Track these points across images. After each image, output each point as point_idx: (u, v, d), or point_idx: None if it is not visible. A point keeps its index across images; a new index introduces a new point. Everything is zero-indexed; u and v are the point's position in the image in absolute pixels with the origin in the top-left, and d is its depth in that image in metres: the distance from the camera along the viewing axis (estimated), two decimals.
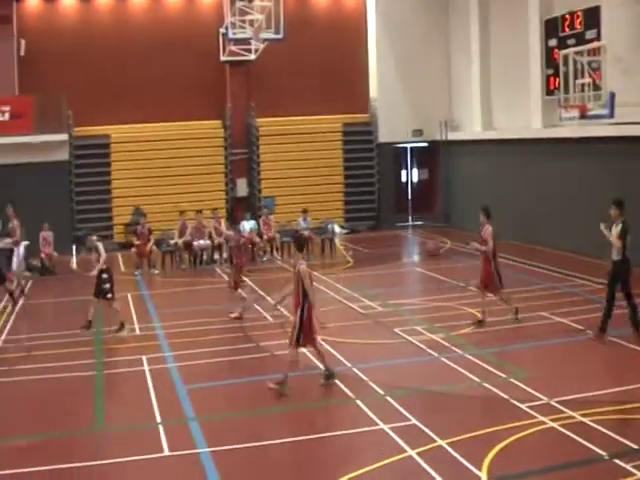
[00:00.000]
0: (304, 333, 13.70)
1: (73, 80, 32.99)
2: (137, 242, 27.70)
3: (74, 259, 28.59)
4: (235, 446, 11.49)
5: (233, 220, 30.30)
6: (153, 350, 16.83)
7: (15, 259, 24.72)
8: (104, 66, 33.89)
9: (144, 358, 16.10)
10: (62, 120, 32.71)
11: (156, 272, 27.11)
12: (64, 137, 33.03)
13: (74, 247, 29.86)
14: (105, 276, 18.44)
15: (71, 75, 33.20)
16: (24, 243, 25.50)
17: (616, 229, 16.08)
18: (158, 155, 34.28)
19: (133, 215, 32.01)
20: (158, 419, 12.72)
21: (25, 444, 11.94)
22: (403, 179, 38.05)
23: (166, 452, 11.37)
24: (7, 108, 32.41)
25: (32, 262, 27.54)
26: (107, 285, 18.38)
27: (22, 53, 33.46)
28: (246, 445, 11.53)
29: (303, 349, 14.34)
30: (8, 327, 19.66)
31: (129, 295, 22.98)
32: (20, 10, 33.95)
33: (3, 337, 18.71)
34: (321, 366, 14.30)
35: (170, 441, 11.71)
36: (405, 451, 10.98)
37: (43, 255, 27.97)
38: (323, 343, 16.43)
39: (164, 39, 34.51)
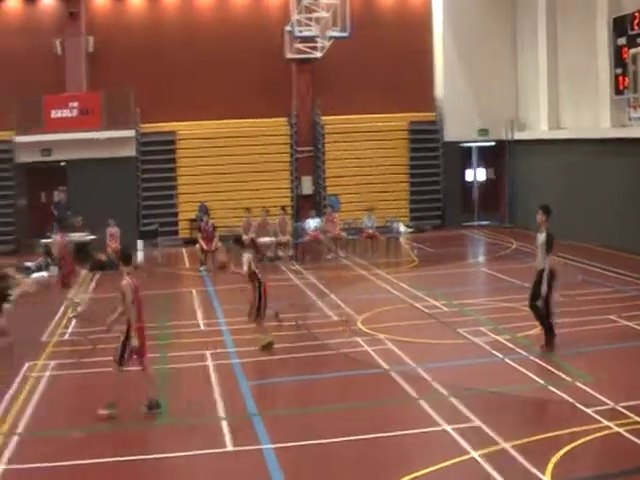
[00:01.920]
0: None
1: (140, 77, 33.33)
2: (201, 238, 27.90)
3: (140, 254, 28.92)
4: (298, 443, 11.52)
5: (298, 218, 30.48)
6: (217, 345, 16.92)
7: None
8: (171, 63, 34.16)
9: (208, 353, 16.21)
10: (129, 116, 33.08)
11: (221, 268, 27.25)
12: (131, 133, 33.40)
13: (140, 242, 30.16)
14: None
15: (138, 72, 33.54)
16: None
17: (541, 236, 15.82)
18: (223, 152, 34.52)
19: (198, 212, 32.26)
20: (221, 414, 12.79)
21: (84, 435, 12.12)
22: (468, 178, 37.79)
23: (229, 447, 11.42)
24: (76, 104, 32.89)
25: (100, 257, 27.94)
26: None
27: (91, 50, 33.95)
28: (309, 442, 11.54)
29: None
30: (74, 321, 19.97)
31: (194, 291, 23.16)
32: (89, 7, 34.42)
33: (70, 330, 19.00)
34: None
35: (233, 436, 11.76)
36: (467, 453, 10.89)
37: (109, 250, 28.33)
38: (387, 342, 16.45)
39: (230, 36, 34.69)
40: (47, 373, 15.46)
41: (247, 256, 16.72)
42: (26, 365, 15.90)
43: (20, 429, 12.41)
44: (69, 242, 27.58)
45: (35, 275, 26.40)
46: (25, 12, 34.63)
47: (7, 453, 11.40)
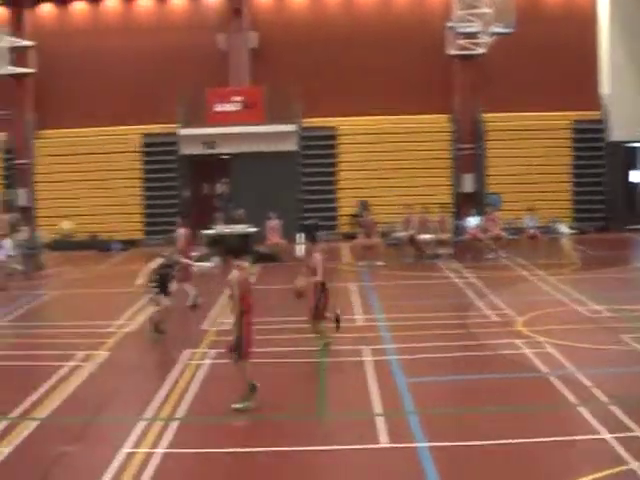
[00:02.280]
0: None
1: (302, 72, 33.75)
2: (361, 234, 28.01)
3: (301, 247, 29.28)
4: (455, 443, 11.36)
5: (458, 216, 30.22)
6: (375, 341, 16.93)
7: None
8: (332, 59, 34.45)
9: (366, 349, 16.23)
10: (291, 111, 33.50)
11: (380, 264, 27.28)
12: (293, 128, 33.84)
13: (301, 236, 30.53)
14: None
15: (300, 67, 33.98)
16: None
17: None
18: (384, 148, 34.54)
19: (358, 207, 32.39)
20: (377, 410, 12.78)
21: (244, 423, 12.33)
22: (633, 180, 36.53)
23: (384, 444, 11.40)
24: (240, 98, 33.59)
25: (259, 249, 28.45)
26: None
27: (254, 45, 34.57)
28: (466, 443, 11.36)
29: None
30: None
31: (352, 285, 23.27)
32: (252, 4, 35.11)
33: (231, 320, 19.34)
34: None
35: (389, 433, 11.72)
36: (627, 463, 10.51)
37: (270, 243, 28.82)
38: (547, 346, 16.09)
39: (391, 32, 34.70)
40: (206, 361, 15.79)
41: (319, 257, 16.52)
42: (186, 352, 16.32)
43: (180, 415, 12.74)
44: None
45: (198, 265, 27.05)
46: (190, 9, 35.66)
47: (167, 438, 11.68)
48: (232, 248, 13.82)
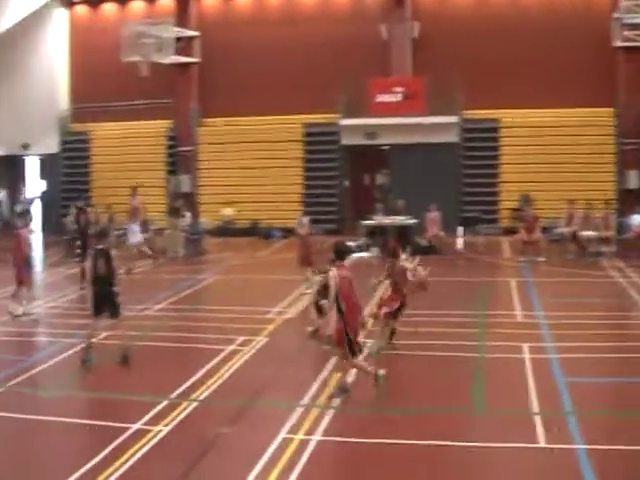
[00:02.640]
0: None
1: (464, 63, 33.33)
2: (523, 228, 27.51)
3: (460, 240, 29.02)
4: (613, 447, 10.97)
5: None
6: (534, 339, 16.53)
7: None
8: (494, 49, 33.91)
9: (525, 346, 15.88)
10: (452, 102, 33.15)
11: (541, 260, 26.69)
12: (454, 119, 33.51)
13: (460, 229, 30.25)
14: None
15: (462, 58, 33.56)
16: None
17: None
18: (546, 142, 33.77)
19: (519, 201, 31.81)
20: (535, 409, 12.49)
21: (400, 415, 12.25)
22: None
23: (541, 444, 11.11)
24: (401, 89, 33.48)
25: (420, 241, 28.35)
26: None
27: (415, 35, 34.38)
28: (625, 447, 10.97)
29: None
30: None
31: (512, 281, 22.88)
32: None
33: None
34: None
35: (546, 433, 11.43)
36: None
37: (430, 235, 28.67)
38: None
39: (554, 23, 33.87)
40: (365, 352, 15.74)
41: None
42: None
43: (335, 403, 12.74)
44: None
45: (356, 255, 27.19)
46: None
47: (322, 425, 11.74)
48: (339, 249, 13.67)
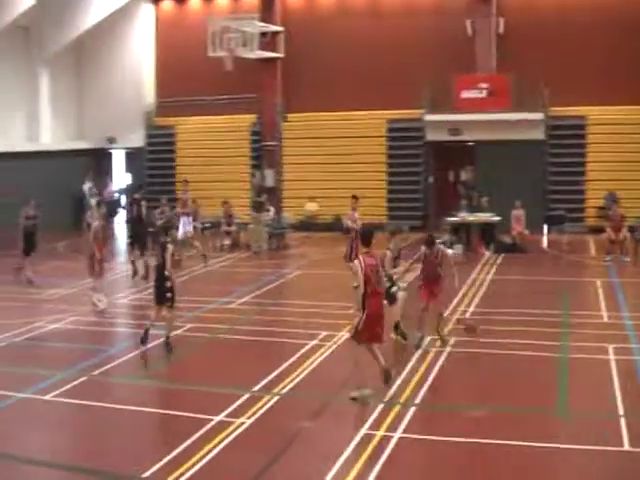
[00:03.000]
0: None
1: (550, 58, 32.85)
2: (609, 227, 27.02)
3: (545, 239, 28.68)
4: None
5: None
6: (620, 340, 16.23)
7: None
8: (580, 46, 33.16)
9: (610, 347, 15.60)
10: (538, 99, 32.69)
11: (627, 260, 26.16)
12: (540, 116, 33.04)
13: (546, 227, 29.83)
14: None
15: (548, 53, 33.07)
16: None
17: None
18: (634, 139, 32.82)
19: (605, 200, 31.24)
20: (620, 411, 12.27)
21: (481, 414, 12.16)
22: None
23: (626, 447, 10.92)
24: (485, 85, 33.16)
25: (504, 239, 28.11)
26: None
27: (501, 31, 33.99)
28: None
29: None
30: (476, 300, 20.19)
31: (598, 281, 22.51)
32: None
33: (471, 309, 19.21)
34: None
35: (631, 436, 11.21)
36: None
37: (514, 233, 28.39)
38: None
39: (603, 13, 32.98)
40: (447, 349, 15.69)
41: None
42: (428, 339, 16.20)
43: (418, 400, 12.73)
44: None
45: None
46: None
47: (404, 422, 11.72)
48: (364, 235, 13.77)
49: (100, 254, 19.59)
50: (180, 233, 26.67)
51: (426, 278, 16.03)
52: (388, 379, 13.17)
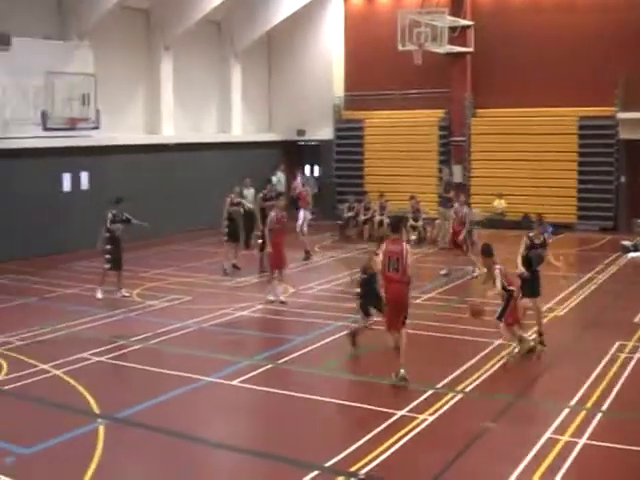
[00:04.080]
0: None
1: None
2: None
3: None
4: None
5: None
6: None
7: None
8: None
9: None
10: None
11: None
12: None
13: None
14: None
15: None
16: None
17: None
18: None
19: None
20: None
21: None
22: None
23: None
24: None
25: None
26: None
27: None
28: None
29: None
30: None
31: None
32: None
33: None
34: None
35: None
36: None
37: None
38: None
39: None
40: (637, 355, 15.23)
41: (499, 268, 14.97)
42: (616, 344, 15.85)
43: (604, 407, 12.42)
44: None
45: (632, 254, 26.39)
46: None
47: (589, 429, 11.47)
48: (392, 223, 14.33)
49: (272, 245, 19.80)
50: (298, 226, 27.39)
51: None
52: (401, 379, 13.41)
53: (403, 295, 13.55)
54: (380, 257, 13.65)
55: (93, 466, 10.34)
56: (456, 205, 24.51)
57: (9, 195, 26.39)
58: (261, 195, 25.01)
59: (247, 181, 27.92)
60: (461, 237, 23.53)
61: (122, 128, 31.36)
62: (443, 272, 23.55)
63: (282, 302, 19.70)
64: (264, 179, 27.83)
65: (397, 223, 14.16)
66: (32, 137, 26.30)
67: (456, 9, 35.64)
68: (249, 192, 27.27)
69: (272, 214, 20.39)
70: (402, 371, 13.36)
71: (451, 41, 34.74)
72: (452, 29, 35.07)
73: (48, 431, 11.58)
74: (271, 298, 19.83)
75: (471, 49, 36.22)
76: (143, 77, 33.06)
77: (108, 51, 30.28)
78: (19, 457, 10.73)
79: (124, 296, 20.58)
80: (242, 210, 24.59)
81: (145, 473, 10.48)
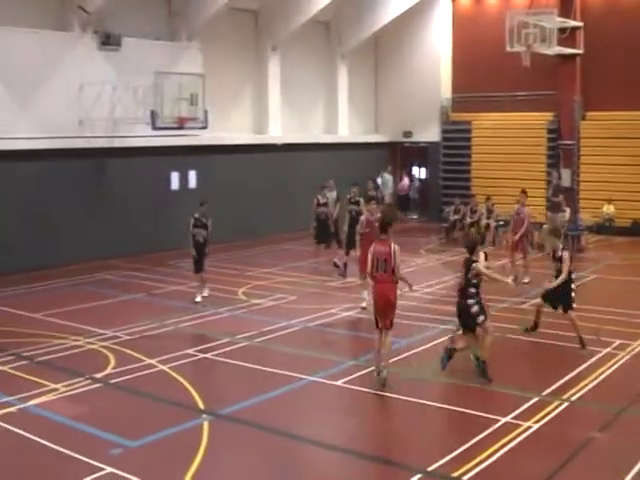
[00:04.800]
0: None
1: None
2: None
3: None
4: None
5: None
6: None
7: None
8: None
9: None
10: None
11: None
12: None
13: None
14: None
15: None
16: None
17: None
18: None
19: None
20: None
21: None
22: None
23: None
24: None
25: None
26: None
27: None
28: None
29: None
30: None
31: None
32: None
33: None
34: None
35: None
36: None
37: None
38: None
39: None
40: None
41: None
42: None
43: None
44: None
45: None
46: None
47: None
48: (383, 222, 13.94)
49: (361, 249, 18.85)
50: None
51: None
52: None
53: (390, 296, 13.50)
54: (483, 262, 13.62)
55: (197, 461, 10.49)
56: (517, 206, 23.86)
57: (120, 193, 27.01)
58: (348, 197, 24.68)
59: (330, 183, 26.55)
60: (517, 237, 22.93)
61: (229, 128, 31.76)
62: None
63: (362, 308, 19.10)
64: (367, 180, 27.73)
65: (385, 224, 13.82)
66: (142, 136, 26.85)
67: (565, 10, 35.01)
68: (331, 195, 26.45)
69: (362, 217, 19.90)
70: (384, 373, 13.44)
71: (560, 42, 34.09)
72: (561, 30, 34.45)
73: (154, 425, 11.81)
74: (364, 305, 19.09)
75: (581, 50, 35.54)
76: (250, 77, 33.42)
77: (216, 52, 30.76)
78: (126, 449, 10.96)
79: (196, 302, 20.14)
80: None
81: (248, 470, 10.57)
